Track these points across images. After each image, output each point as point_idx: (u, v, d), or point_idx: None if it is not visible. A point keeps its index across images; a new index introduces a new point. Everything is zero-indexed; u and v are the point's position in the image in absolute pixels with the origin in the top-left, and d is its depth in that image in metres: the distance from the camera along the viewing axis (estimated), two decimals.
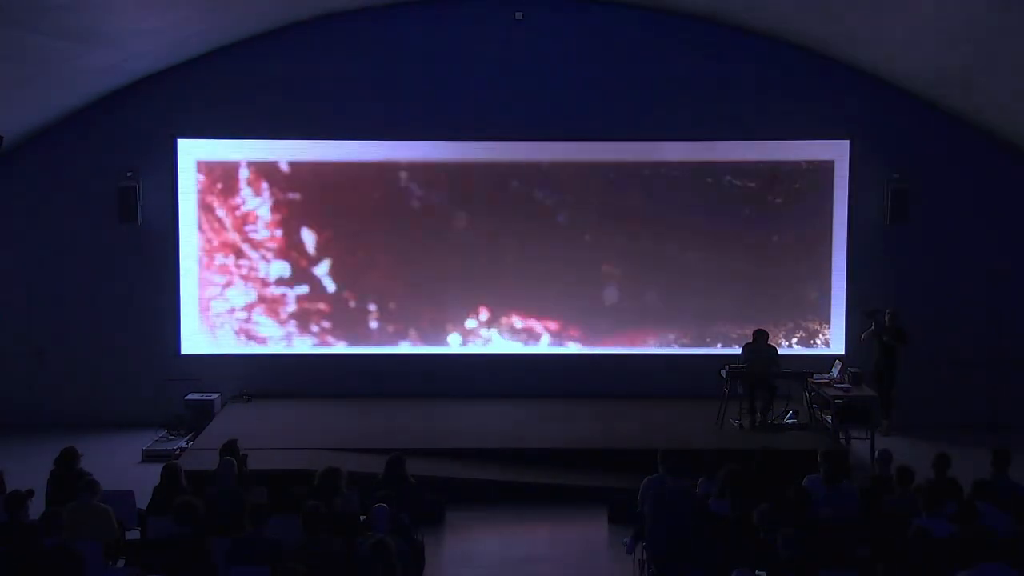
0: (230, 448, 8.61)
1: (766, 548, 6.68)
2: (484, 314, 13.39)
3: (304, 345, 13.40)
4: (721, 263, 13.32)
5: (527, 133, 13.12)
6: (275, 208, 13.28)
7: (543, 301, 13.40)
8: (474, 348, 13.40)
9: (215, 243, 13.29)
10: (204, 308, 13.32)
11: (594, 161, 13.33)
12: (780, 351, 12.28)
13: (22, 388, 13.14)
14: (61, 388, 13.17)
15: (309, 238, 13.33)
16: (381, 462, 8.92)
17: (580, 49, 13.15)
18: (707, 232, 13.33)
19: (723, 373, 11.84)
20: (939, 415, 12.86)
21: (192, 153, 13.14)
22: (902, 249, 13.21)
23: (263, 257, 13.32)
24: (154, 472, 8.68)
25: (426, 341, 13.41)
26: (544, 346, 13.41)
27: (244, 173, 13.24)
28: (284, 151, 13.22)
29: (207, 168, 13.20)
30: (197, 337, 13.31)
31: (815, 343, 13.40)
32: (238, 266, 13.32)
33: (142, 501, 8.30)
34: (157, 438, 12.24)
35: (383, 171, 13.29)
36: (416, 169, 13.28)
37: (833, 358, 12.46)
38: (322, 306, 13.37)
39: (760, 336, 12.01)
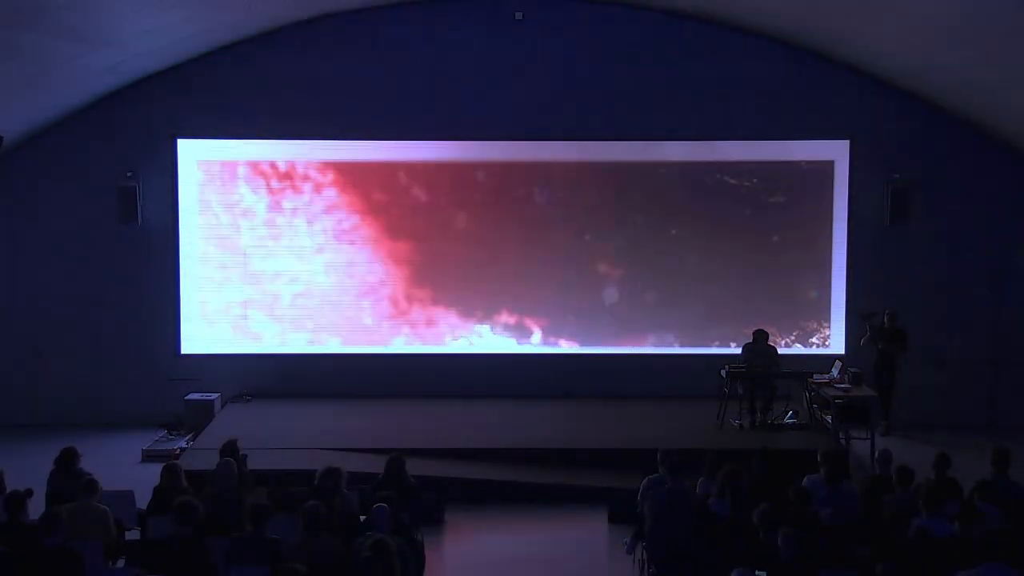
0: (230, 448, 8.60)
1: (766, 548, 6.68)
2: (484, 314, 13.40)
3: (303, 345, 13.40)
4: (721, 263, 13.33)
5: (527, 133, 13.13)
6: (274, 208, 13.29)
7: (543, 301, 13.40)
8: (474, 348, 13.41)
9: (215, 243, 13.29)
10: (204, 308, 13.32)
11: (594, 161, 13.34)
12: (780, 351, 12.30)
13: (22, 388, 13.14)
14: (61, 388, 13.17)
15: (309, 238, 13.34)
16: (381, 462, 8.91)
17: (580, 49, 13.16)
18: (707, 232, 13.34)
19: (723, 373, 11.86)
20: (939, 415, 12.86)
21: (192, 153, 13.14)
22: (902, 249, 13.21)
23: (263, 257, 13.32)
24: (154, 472, 8.67)
25: (426, 341, 13.42)
26: (544, 346, 13.42)
27: (244, 173, 13.26)
28: (284, 151, 13.23)
29: (207, 168, 13.21)
30: (197, 337, 13.31)
31: (815, 343, 13.41)
32: (238, 266, 13.32)
33: (142, 501, 8.28)
34: (157, 438, 12.24)
35: (383, 171, 13.29)
36: (416, 169, 13.29)
37: (833, 358, 12.47)
38: (322, 306, 13.38)
39: (760, 336, 12.03)
